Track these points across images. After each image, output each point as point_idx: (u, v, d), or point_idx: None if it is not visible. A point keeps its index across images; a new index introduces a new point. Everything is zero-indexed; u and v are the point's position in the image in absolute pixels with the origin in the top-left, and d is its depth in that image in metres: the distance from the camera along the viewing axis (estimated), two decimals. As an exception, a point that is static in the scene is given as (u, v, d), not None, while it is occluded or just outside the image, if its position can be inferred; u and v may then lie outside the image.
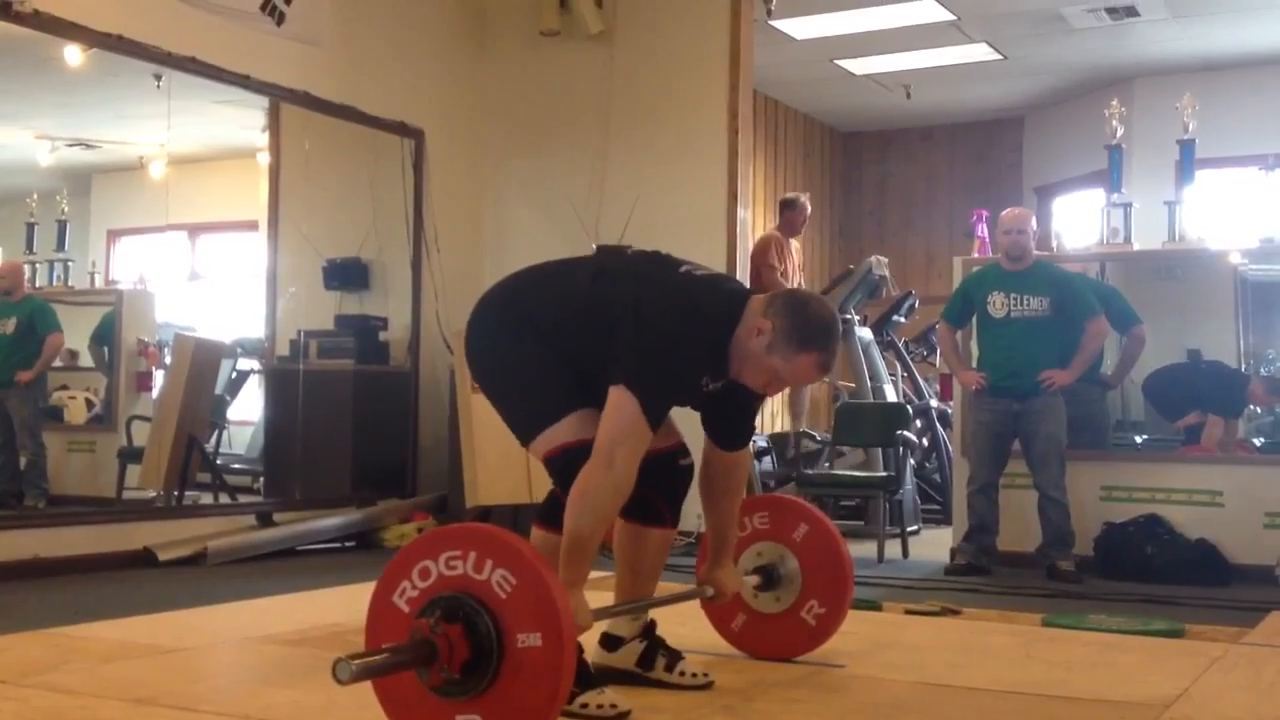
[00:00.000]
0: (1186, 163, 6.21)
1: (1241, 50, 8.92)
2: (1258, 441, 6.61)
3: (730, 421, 3.05)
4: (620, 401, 2.67)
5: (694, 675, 3.02)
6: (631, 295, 2.79)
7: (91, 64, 5.74)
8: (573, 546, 2.64)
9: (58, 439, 6.36)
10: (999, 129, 11.01)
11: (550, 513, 2.84)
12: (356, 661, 2.21)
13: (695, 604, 3.33)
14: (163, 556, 5.50)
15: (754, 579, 3.34)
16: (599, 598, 3.05)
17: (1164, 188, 6.48)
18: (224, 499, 6.59)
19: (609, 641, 3.05)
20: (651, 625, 3.07)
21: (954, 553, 6.02)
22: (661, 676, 3.01)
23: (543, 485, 6.25)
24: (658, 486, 2.96)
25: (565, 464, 2.75)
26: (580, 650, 2.78)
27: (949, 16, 8.38)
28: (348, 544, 6.39)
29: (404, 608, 2.39)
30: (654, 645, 3.04)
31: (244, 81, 6.17)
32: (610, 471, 2.64)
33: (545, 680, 2.29)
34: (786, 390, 8.55)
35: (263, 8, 6.10)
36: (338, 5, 6.54)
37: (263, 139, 6.95)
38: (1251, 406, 6.56)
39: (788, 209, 8.13)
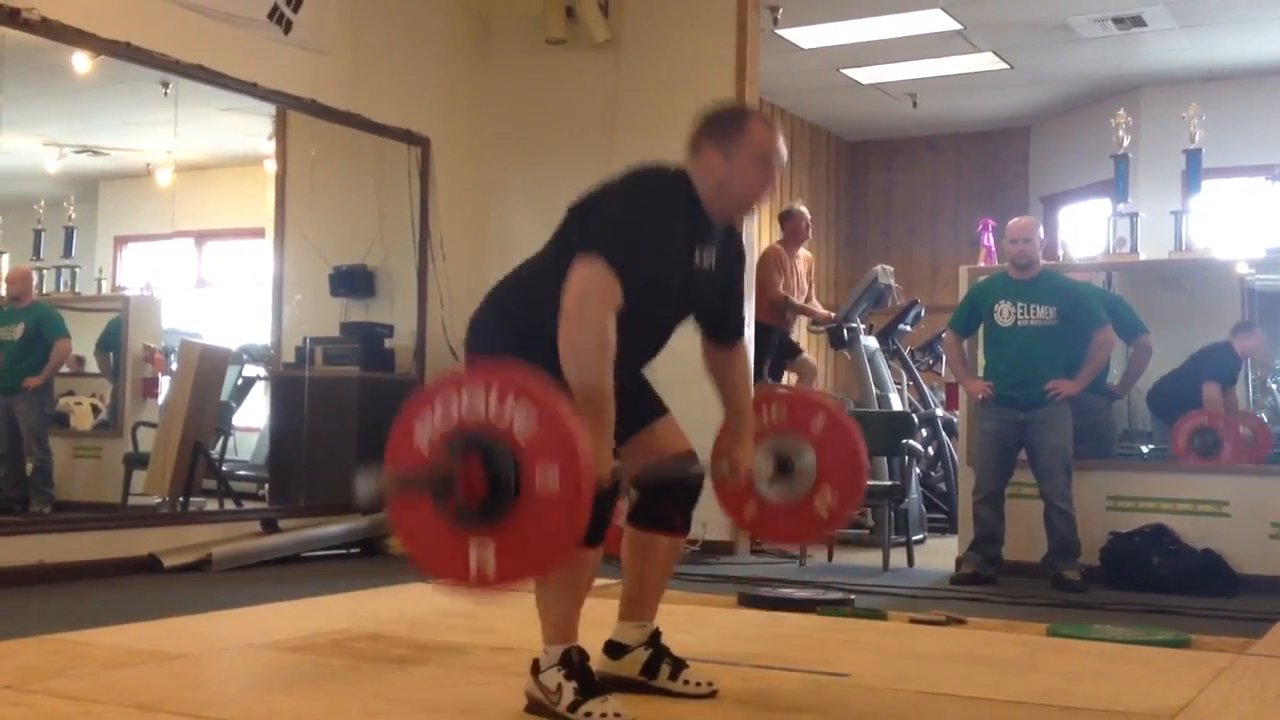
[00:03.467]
0: (1193, 172, 6.20)
1: (1248, 60, 8.92)
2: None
3: (720, 309, 3.05)
4: (579, 266, 2.62)
5: (698, 684, 3.01)
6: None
7: (99, 71, 5.76)
8: (585, 400, 2.54)
9: (64, 445, 6.38)
10: (1005, 138, 11.01)
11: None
12: (382, 486, 2.30)
13: (695, 610, 3.33)
14: (167, 563, 5.50)
15: (769, 469, 3.30)
16: (604, 605, 3.05)
17: (1170, 197, 6.48)
18: (229, 505, 6.60)
19: (613, 649, 3.04)
20: (656, 633, 3.06)
21: (959, 562, 6.01)
22: (666, 685, 3.00)
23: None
24: (668, 496, 2.96)
25: None
26: (586, 658, 2.79)
27: (955, 26, 8.39)
28: (352, 550, 6.39)
29: (424, 450, 2.41)
30: (659, 653, 3.04)
31: (251, 89, 6.18)
32: (582, 322, 2.57)
33: (561, 519, 2.31)
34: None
35: (270, 15, 6.11)
36: (345, 13, 6.56)
37: (269, 146, 6.97)
38: (1244, 361, 6.49)
39: (786, 220, 8.13)
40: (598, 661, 2.94)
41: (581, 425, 2.38)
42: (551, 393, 2.38)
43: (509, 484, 2.34)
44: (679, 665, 3.03)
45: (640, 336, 2.79)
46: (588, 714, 2.69)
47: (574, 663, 2.74)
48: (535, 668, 2.79)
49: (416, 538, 2.46)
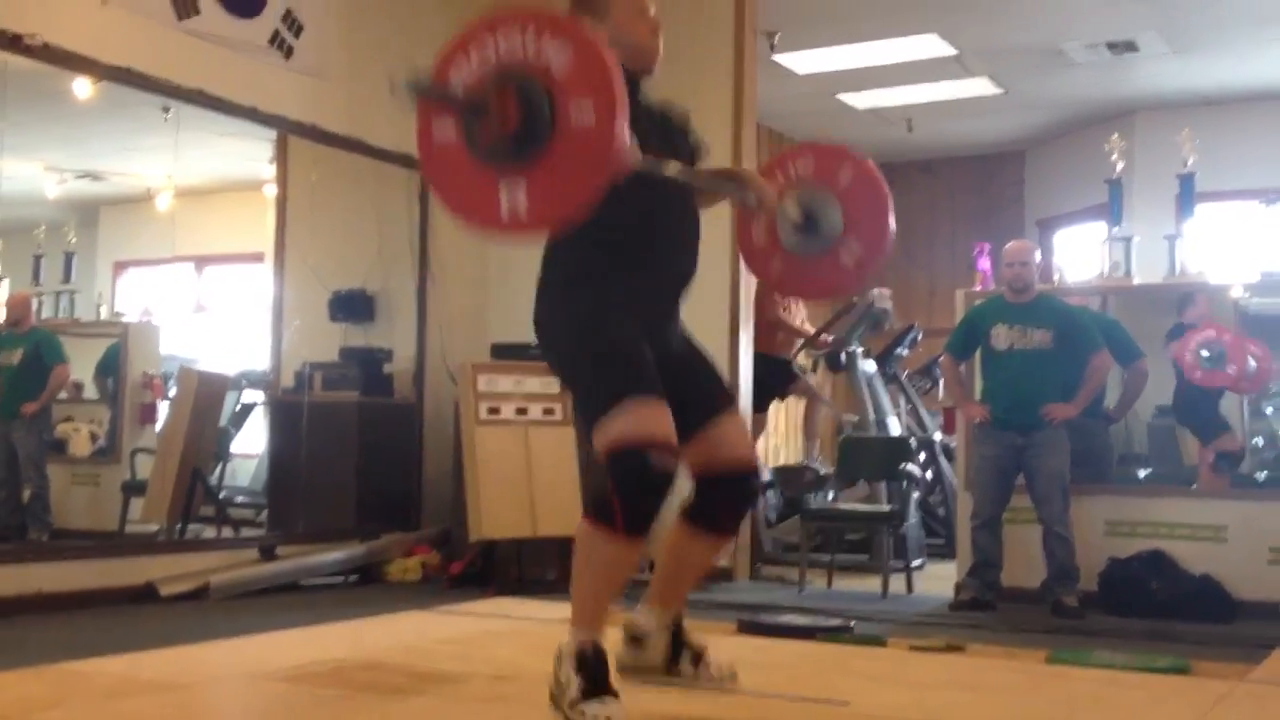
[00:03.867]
0: (1186, 197, 6.23)
1: (1241, 85, 8.96)
2: (1260, 476, 6.60)
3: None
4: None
5: (719, 671, 3.03)
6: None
7: (100, 96, 5.79)
8: None
9: (62, 471, 6.37)
10: (1000, 162, 11.05)
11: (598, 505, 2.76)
12: (416, 87, 2.38)
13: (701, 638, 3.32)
14: (165, 591, 5.49)
15: (795, 216, 3.27)
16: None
17: (1165, 221, 6.51)
18: (227, 532, 6.59)
19: (634, 639, 3.04)
20: (678, 621, 3.06)
21: (958, 588, 6.01)
22: (686, 673, 3.01)
23: (547, 520, 6.26)
24: (726, 501, 2.98)
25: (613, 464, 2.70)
26: (603, 656, 2.74)
27: (950, 51, 8.43)
28: (351, 578, 6.38)
29: (459, 93, 2.47)
30: (679, 643, 3.05)
31: (251, 114, 6.20)
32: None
33: (595, 153, 2.35)
34: (802, 413, 8.61)
35: (271, 41, 6.14)
36: (345, 38, 6.58)
37: (269, 171, 6.99)
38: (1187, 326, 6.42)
39: None
40: (618, 651, 2.92)
41: (614, 61, 2.41)
42: (587, 31, 2.44)
43: (543, 117, 2.38)
44: (700, 654, 3.04)
45: (650, 224, 2.84)
46: (582, 713, 2.66)
47: (588, 659, 2.71)
48: (558, 654, 2.77)
49: (448, 178, 2.52)
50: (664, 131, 3.02)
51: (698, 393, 2.92)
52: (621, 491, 2.66)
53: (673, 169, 2.84)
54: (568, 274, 2.86)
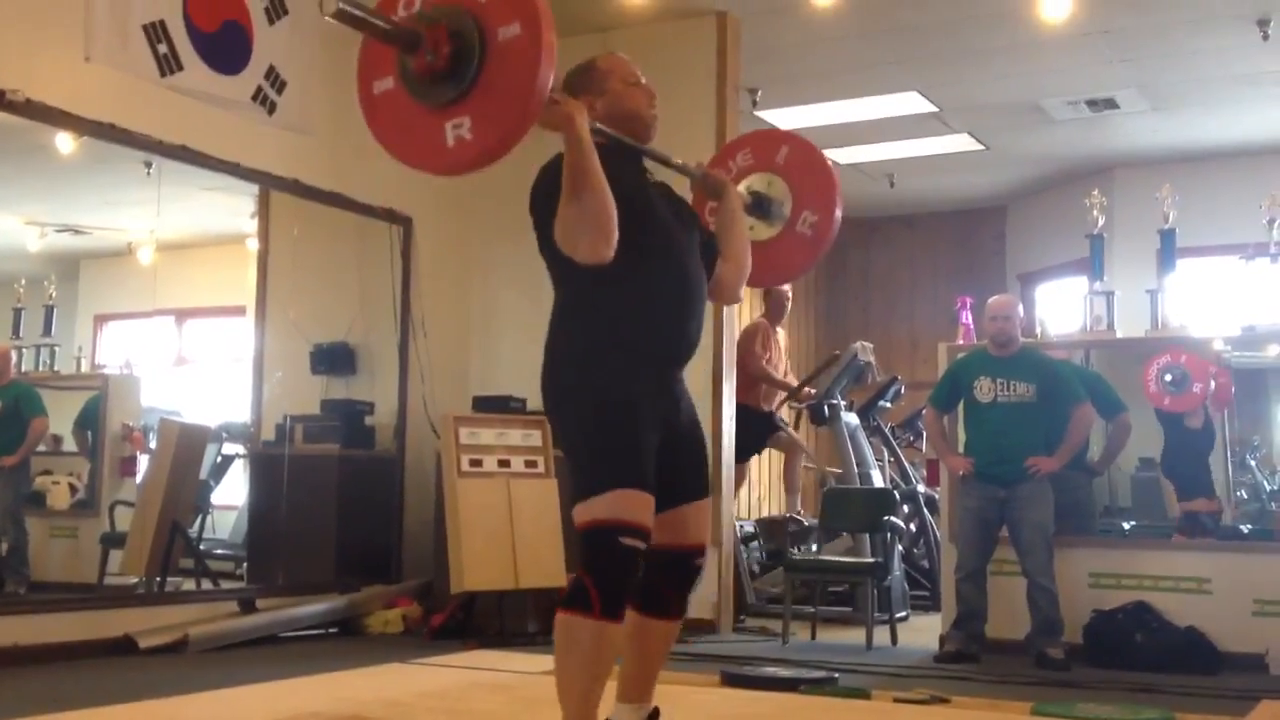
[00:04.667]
0: (1167, 251, 6.28)
1: (1220, 141, 9.07)
2: (1245, 528, 6.60)
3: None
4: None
5: None
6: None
7: (82, 151, 5.80)
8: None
9: (40, 524, 6.31)
10: (982, 217, 11.14)
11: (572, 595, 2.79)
12: (344, 2, 2.42)
13: (679, 690, 3.30)
14: (143, 644, 5.43)
15: (745, 198, 3.40)
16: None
17: (1146, 275, 6.55)
18: (206, 585, 6.53)
19: None
20: (655, 713, 3.04)
21: (943, 640, 5.99)
22: None
23: (529, 572, 6.24)
24: (666, 580, 2.97)
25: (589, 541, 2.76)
26: None
27: (931, 108, 8.52)
28: (331, 630, 6.32)
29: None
30: None
31: (234, 169, 6.21)
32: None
33: (527, 65, 2.45)
34: (783, 466, 8.59)
35: (254, 97, 6.16)
36: (329, 94, 6.60)
37: (251, 225, 6.99)
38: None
39: (769, 297, 8.20)
40: None
41: None
42: None
43: (472, 42, 2.49)
44: None
45: (661, 276, 2.90)
46: None
47: None
48: None
49: (392, 125, 2.62)
50: (668, 201, 3.06)
51: (681, 476, 2.95)
52: (593, 568, 2.73)
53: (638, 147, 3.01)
54: (580, 349, 2.87)
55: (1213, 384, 6.33)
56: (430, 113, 2.55)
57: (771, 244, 3.49)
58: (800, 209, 3.47)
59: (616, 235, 2.70)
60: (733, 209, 3.23)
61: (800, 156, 3.52)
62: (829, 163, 3.54)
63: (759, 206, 3.47)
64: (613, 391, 2.81)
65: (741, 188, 3.44)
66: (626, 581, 2.75)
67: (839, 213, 3.50)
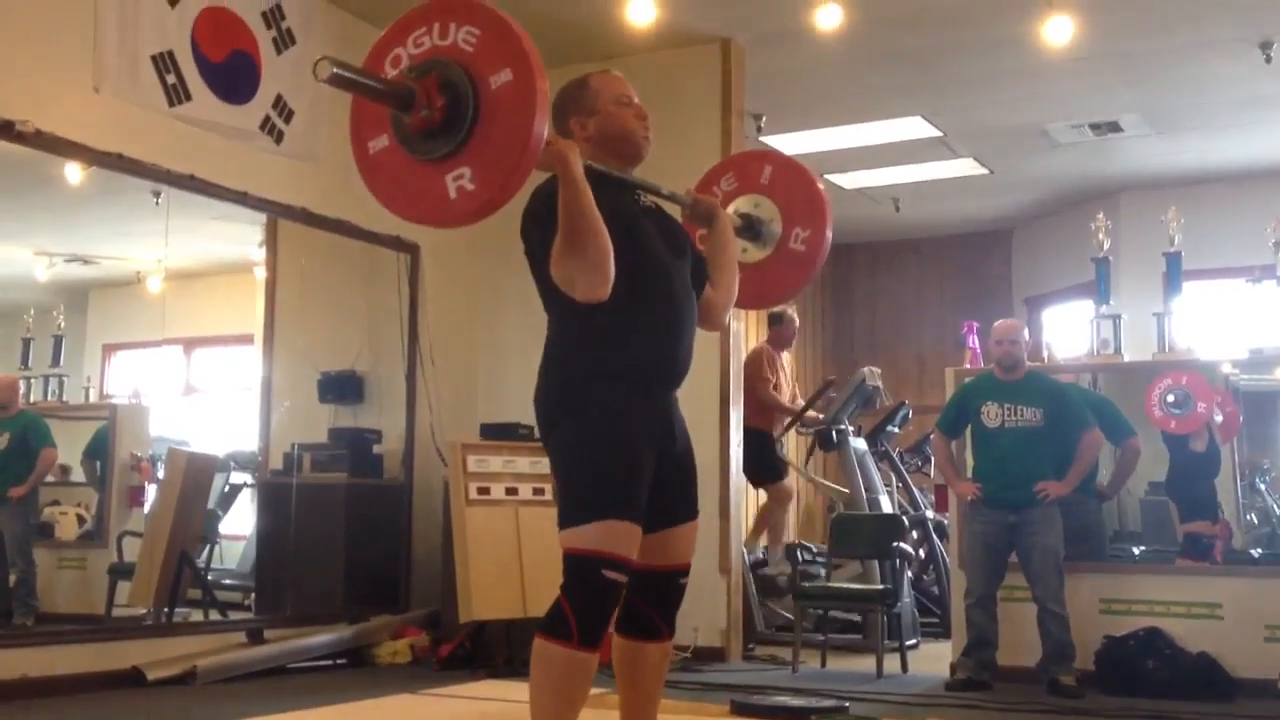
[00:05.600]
0: (1173, 275, 6.28)
1: (1224, 164, 9.08)
2: (1256, 553, 6.57)
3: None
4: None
5: None
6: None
7: (91, 182, 5.81)
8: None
9: (48, 555, 6.30)
10: (988, 241, 11.15)
11: (551, 622, 2.79)
12: (338, 67, 2.42)
13: (688, 719, 3.28)
14: (151, 676, 5.41)
15: (735, 221, 3.41)
16: (602, 716, 3.01)
17: (1152, 298, 6.54)
18: (214, 615, 6.52)
19: None
20: None
21: (954, 667, 5.96)
22: None
23: (537, 600, 6.22)
24: (650, 600, 2.95)
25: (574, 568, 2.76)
26: None
27: (935, 133, 8.54)
28: (339, 661, 6.30)
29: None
30: None
31: (242, 198, 6.23)
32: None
33: (523, 110, 2.44)
34: (764, 505, 8.51)
35: (262, 126, 6.19)
36: (336, 123, 6.62)
37: (259, 254, 7.01)
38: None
39: (775, 323, 8.20)
40: None
41: (520, 29, 2.52)
42: (490, 9, 2.55)
43: (465, 91, 2.49)
44: None
45: (652, 300, 2.88)
46: None
47: None
48: None
49: (391, 183, 2.65)
50: (660, 224, 3.04)
51: (672, 498, 2.95)
52: (574, 597, 2.74)
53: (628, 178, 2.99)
54: (572, 375, 2.86)
55: (1220, 415, 6.29)
56: (429, 166, 2.55)
57: (766, 264, 3.48)
58: (791, 226, 3.47)
59: (613, 275, 2.68)
60: (724, 233, 3.22)
61: (784, 174, 3.52)
62: (813, 177, 3.54)
63: (749, 228, 3.47)
64: (605, 420, 2.80)
65: (729, 211, 3.44)
66: (606, 613, 2.76)
67: (830, 226, 3.49)
